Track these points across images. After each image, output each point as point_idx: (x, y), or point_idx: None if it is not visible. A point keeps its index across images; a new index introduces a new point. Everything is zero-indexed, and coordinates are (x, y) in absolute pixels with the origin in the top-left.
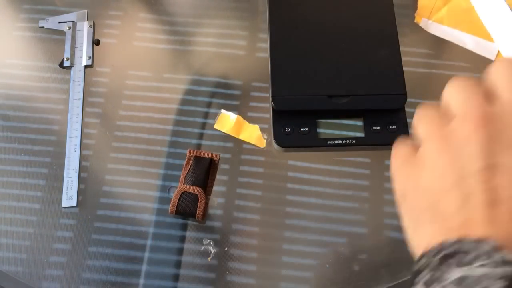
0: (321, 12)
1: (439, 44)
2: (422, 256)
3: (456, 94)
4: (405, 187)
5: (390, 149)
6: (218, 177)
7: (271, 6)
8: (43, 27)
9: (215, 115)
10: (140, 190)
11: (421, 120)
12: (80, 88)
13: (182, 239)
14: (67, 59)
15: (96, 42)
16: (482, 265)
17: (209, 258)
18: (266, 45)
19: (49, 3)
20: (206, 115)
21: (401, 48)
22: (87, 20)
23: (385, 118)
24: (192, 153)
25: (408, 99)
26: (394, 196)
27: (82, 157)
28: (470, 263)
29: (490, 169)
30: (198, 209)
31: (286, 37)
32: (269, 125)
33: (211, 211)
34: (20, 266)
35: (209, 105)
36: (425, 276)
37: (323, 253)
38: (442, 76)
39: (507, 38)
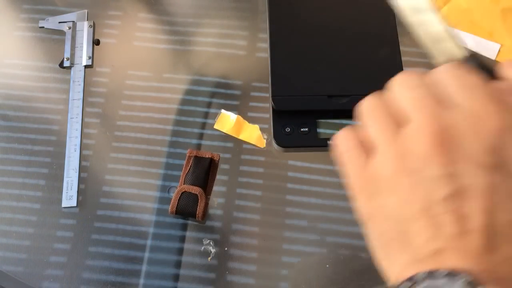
0: (321, 12)
1: None
2: (394, 286)
3: (407, 92)
4: (370, 210)
5: None
6: (218, 177)
7: (271, 6)
8: (43, 27)
9: (215, 115)
10: (140, 190)
11: (371, 116)
12: (80, 88)
13: (182, 239)
14: (67, 59)
15: (96, 42)
16: None
17: (209, 258)
18: (266, 45)
19: (49, 3)
20: (206, 115)
21: (401, 48)
22: (87, 20)
23: None
24: (192, 153)
25: None
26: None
27: (82, 157)
28: None
29: (457, 195)
30: (198, 209)
31: (286, 37)
32: (269, 125)
33: (211, 211)
34: (20, 266)
35: (209, 105)
36: None
37: (323, 253)
38: None
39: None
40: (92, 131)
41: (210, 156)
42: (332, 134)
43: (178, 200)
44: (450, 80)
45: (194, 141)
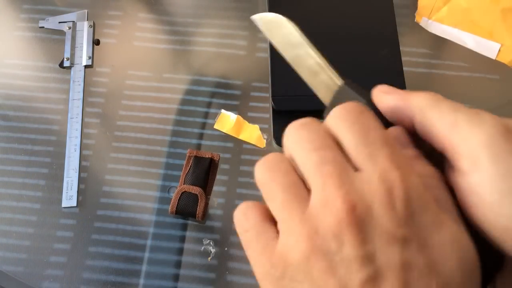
0: (321, 12)
1: (439, 44)
2: None
3: (307, 154)
4: None
5: None
6: (218, 177)
7: (271, 6)
8: (43, 27)
9: (215, 115)
10: (140, 190)
11: (269, 185)
12: (80, 88)
13: (182, 239)
14: (67, 59)
15: (96, 42)
16: None
17: (209, 258)
18: (266, 45)
19: (49, 3)
20: (206, 115)
21: (401, 48)
22: (87, 20)
23: None
24: (192, 153)
25: None
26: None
27: (82, 157)
28: None
29: (373, 279)
30: (198, 209)
31: None
32: (269, 125)
33: (211, 211)
34: (20, 266)
35: (209, 105)
36: None
37: None
38: (442, 76)
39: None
40: (92, 131)
41: (210, 156)
42: None
43: (178, 200)
44: (350, 133)
45: (194, 141)
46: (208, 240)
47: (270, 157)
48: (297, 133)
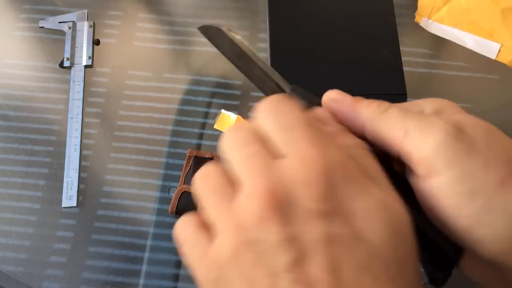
0: (321, 12)
1: (439, 44)
2: None
3: (235, 152)
4: None
5: None
6: None
7: (271, 6)
8: (43, 27)
9: (215, 115)
10: (140, 190)
11: (203, 191)
12: (80, 88)
13: None
14: (67, 59)
15: (96, 42)
16: None
17: None
18: (266, 45)
19: (49, 3)
20: (206, 115)
21: (401, 48)
22: (87, 20)
23: None
24: (192, 153)
25: (408, 99)
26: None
27: (82, 157)
28: None
29: (298, 260)
30: (198, 209)
31: (286, 37)
32: None
33: None
34: (20, 266)
35: (209, 105)
36: None
37: None
38: (442, 76)
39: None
40: (92, 131)
41: (210, 156)
42: None
43: (178, 200)
44: (271, 123)
45: (194, 141)
46: None
47: (204, 168)
48: (228, 136)
